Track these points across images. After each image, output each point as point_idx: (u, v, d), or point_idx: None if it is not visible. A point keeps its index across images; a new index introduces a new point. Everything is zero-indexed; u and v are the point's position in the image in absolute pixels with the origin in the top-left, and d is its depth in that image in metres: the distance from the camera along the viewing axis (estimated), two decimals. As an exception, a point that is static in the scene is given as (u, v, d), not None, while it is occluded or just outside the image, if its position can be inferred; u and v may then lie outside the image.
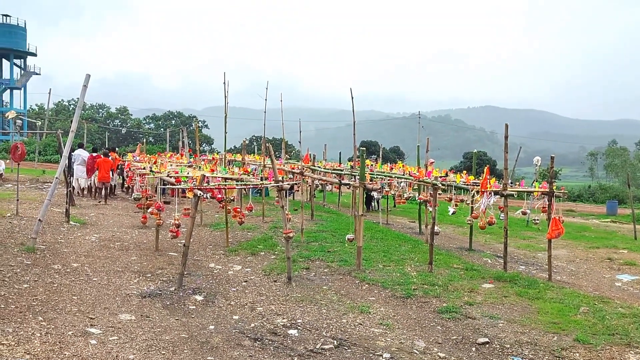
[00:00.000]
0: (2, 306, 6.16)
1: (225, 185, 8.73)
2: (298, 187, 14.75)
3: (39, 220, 9.51)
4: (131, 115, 79.47)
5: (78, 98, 10.09)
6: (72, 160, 17.54)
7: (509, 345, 5.91)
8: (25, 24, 61.75)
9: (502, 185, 9.65)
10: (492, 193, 9.68)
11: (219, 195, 10.29)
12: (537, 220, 11.83)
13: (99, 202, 17.06)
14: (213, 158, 17.82)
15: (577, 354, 5.66)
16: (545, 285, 8.45)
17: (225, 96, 12.51)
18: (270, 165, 9.09)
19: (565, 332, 6.25)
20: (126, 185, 19.19)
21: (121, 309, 6.52)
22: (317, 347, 5.64)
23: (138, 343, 5.46)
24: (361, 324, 6.45)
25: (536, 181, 16.17)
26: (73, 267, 8.31)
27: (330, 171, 16.26)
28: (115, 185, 19.65)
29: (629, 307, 7.42)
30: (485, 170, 9.76)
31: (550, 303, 7.43)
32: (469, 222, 11.48)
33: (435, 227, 9.54)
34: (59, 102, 73.20)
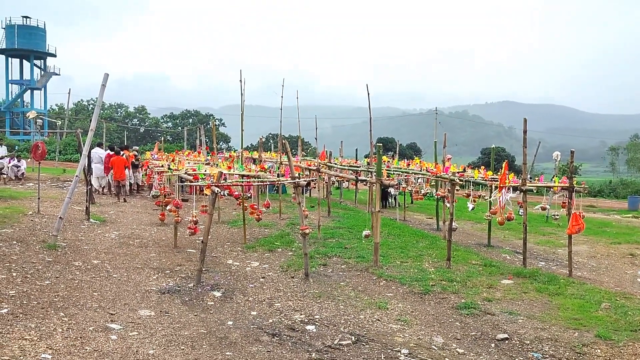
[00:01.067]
0: (25, 302, 6.27)
1: (242, 182, 8.77)
2: (314, 184, 14.75)
3: (60, 217, 9.66)
4: (149, 114, 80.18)
5: (97, 97, 10.21)
6: (91, 159, 17.82)
7: (528, 342, 5.85)
8: (44, 25, 62.60)
9: (520, 181, 9.55)
10: (511, 188, 9.58)
11: (236, 192, 10.35)
12: (557, 215, 11.68)
13: (120, 200, 17.22)
14: (230, 155, 17.92)
15: (599, 350, 5.59)
16: (566, 281, 8.35)
17: (241, 94, 12.55)
18: (287, 162, 9.10)
19: (586, 328, 6.17)
20: (138, 182, 19.36)
21: (141, 305, 6.60)
22: (335, 342, 5.64)
23: (157, 338, 5.52)
24: (379, 320, 6.43)
25: (556, 176, 15.97)
26: (93, 264, 8.43)
27: (346, 167, 16.23)
28: (133, 184, 19.83)
29: (651, 303, 7.29)
30: (503, 165, 9.65)
31: (571, 299, 7.34)
32: (487, 217, 11.38)
33: (453, 223, 9.47)
34: (79, 102, 74.14)
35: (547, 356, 5.52)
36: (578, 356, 5.50)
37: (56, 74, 63.60)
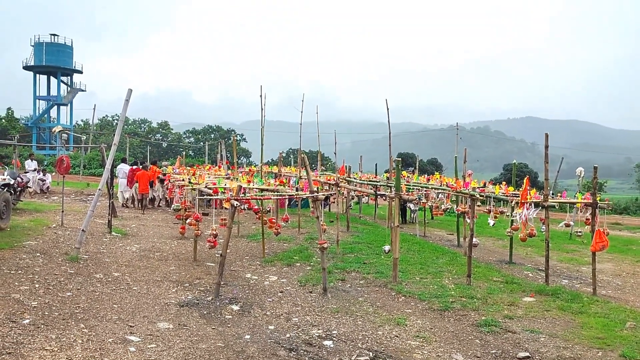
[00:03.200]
0: (47, 313, 6.36)
1: (262, 195, 8.81)
2: (334, 198, 14.75)
3: (82, 230, 9.81)
4: (172, 129, 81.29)
5: (121, 113, 10.40)
6: (116, 174, 18.28)
7: (550, 361, 5.72)
8: (72, 42, 64.24)
9: (542, 197, 9.41)
10: (533, 204, 9.44)
11: (256, 207, 10.40)
12: (581, 232, 11.47)
13: (142, 213, 17.52)
14: (250, 170, 18.05)
15: (624, 371, 5.44)
16: (590, 300, 8.17)
17: (262, 108, 12.67)
18: (306, 177, 9.13)
19: (610, 348, 6.01)
20: (167, 197, 19.62)
21: (160, 318, 6.64)
22: (353, 358, 5.60)
23: (175, 351, 5.54)
24: (397, 336, 6.36)
25: (579, 192, 15.70)
26: (114, 277, 8.52)
27: (365, 182, 16.20)
28: (157, 198, 20.10)
29: (679, 323, 7.08)
30: (525, 181, 9.53)
31: (595, 318, 7.17)
32: (509, 234, 11.20)
33: (474, 239, 9.36)
34: (103, 117, 75.59)
35: (570, 376, 5.39)
36: (602, 376, 5.36)
37: (82, 90, 65.05)
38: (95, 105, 41.71)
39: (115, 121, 73.55)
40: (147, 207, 18.61)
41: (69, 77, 64.77)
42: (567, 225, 11.74)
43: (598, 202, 9.41)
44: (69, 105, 63.80)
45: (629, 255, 14.26)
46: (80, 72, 65.25)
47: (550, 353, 5.92)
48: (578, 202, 10.07)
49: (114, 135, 10.50)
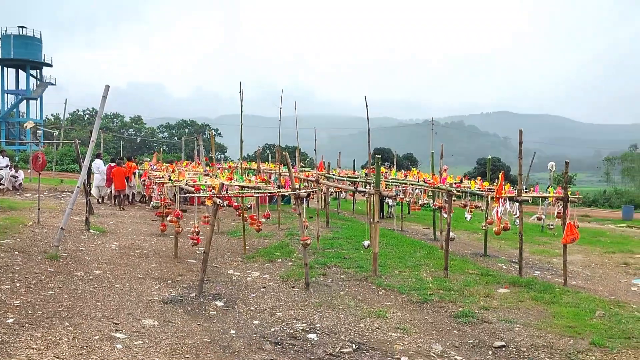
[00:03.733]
0: (30, 312, 6.36)
1: (243, 193, 8.90)
2: (313, 194, 14.90)
3: (61, 228, 9.75)
4: (145, 124, 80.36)
5: (93, 108, 10.47)
6: (92, 170, 18.16)
7: (525, 349, 5.98)
8: (41, 35, 62.82)
9: (516, 191, 9.72)
10: (507, 199, 9.74)
11: (236, 203, 10.47)
12: (552, 225, 11.85)
13: (119, 209, 17.42)
14: (229, 166, 18.04)
15: (593, 357, 5.72)
16: (561, 290, 8.49)
17: (241, 106, 12.73)
18: (287, 174, 9.24)
19: (581, 336, 6.31)
20: (144, 194, 19.50)
21: (144, 315, 6.70)
22: (336, 350, 5.76)
23: (162, 347, 5.62)
24: (379, 328, 6.55)
25: (550, 187, 16.16)
26: (95, 274, 8.52)
27: (345, 179, 16.38)
28: (135, 194, 19.98)
29: (645, 311, 7.44)
30: (500, 176, 9.83)
31: (566, 307, 7.48)
32: (484, 228, 11.54)
33: (450, 233, 9.62)
34: (74, 111, 74.34)
35: (544, 363, 5.65)
36: (573, 363, 5.63)
37: (52, 84, 63.76)
38: (66, 99, 40.94)
39: (87, 116, 72.44)
40: (125, 204, 18.48)
41: (38, 71, 63.40)
42: (539, 219, 12.10)
43: (569, 195, 9.75)
44: (39, 99, 62.49)
45: (597, 246, 14.76)
46: (50, 65, 63.91)
47: (525, 342, 6.18)
48: (550, 196, 10.42)
49: (90, 131, 10.43)
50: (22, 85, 62.44)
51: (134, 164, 19.93)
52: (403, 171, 17.13)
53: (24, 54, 59.98)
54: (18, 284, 7.42)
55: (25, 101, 62.60)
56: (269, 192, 8.94)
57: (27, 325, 5.91)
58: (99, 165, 19.10)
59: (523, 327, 6.67)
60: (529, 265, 11.35)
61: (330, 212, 16.58)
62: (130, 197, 19.83)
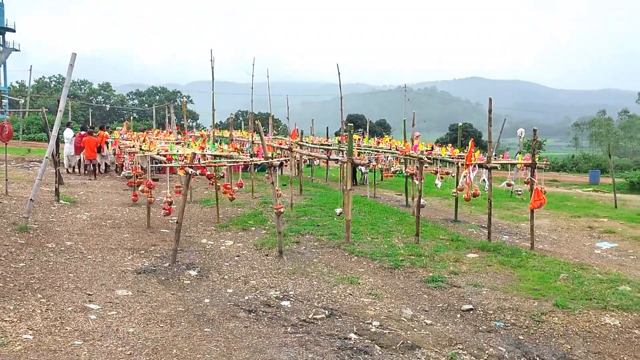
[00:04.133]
0: (1, 285, 6.30)
1: (216, 162, 8.86)
2: (286, 163, 14.90)
3: (31, 199, 9.58)
4: (114, 91, 78.41)
5: (60, 74, 10.14)
6: (61, 139, 17.87)
7: (492, 312, 6.21)
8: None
9: (486, 158, 9.89)
10: (477, 166, 9.92)
11: (209, 172, 10.42)
12: (520, 191, 12.12)
13: (89, 179, 17.19)
14: (201, 135, 17.86)
15: (556, 318, 5.98)
16: (528, 254, 8.77)
17: (212, 73, 12.53)
18: (259, 142, 9.21)
19: (545, 298, 6.56)
20: (115, 163, 19.26)
21: (117, 285, 6.70)
22: (310, 317, 5.88)
23: (137, 317, 5.66)
24: (351, 295, 6.70)
25: (519, 153, 16.45)
26: (67, 246, 8.45)
27: (318, 147, 16.40)
28: (106, 163, 19.71)
29: (606, 273, 7.76)
30: (469, 144, 9.97)
31: (532, 271, 7.74)
32: (454, 194, 11.75)
33: (422, 200, 9.77)
34: (40, 78, 71.87)
35: (509, 325, 5.89)
36: (537, 324, 5.88)
37: (16, 50, 61.56)
38: (31, 66, 39.78)
39: (53, 83, 70.22)
40: (96, 173, 18.23)
41: (0, 36, 61.00)
42: (509, 185, 12.37)
43: (537, 162, 9.97)
44: (2, 65, 60.29)
45: (564, 210, 15.21)
46: (13, 30, 61.54)
47: (492, 305, 6.41)
48: (519, 163, 10.64)
49: (57, 100, 10.16)
50: (-16, 51, 60.09)
51: (106, 133, 19.59)
52: (376, 138, 17.22)
53: (-15, 19, 57.59)
54: (-13, 257, 7.32)
55: (-13, 68, 60.37)
56: (242, 161, 8.91)
57: (-2, 298, 5.87)
58: (68, 135, 18.79)
59: (490, 291, 6.90)
60: (498, 230, 11.65)
61: (303, 180, 16.63)
62: (104, 167, 19.58)
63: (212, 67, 12.65)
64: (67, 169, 18.72)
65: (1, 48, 60.67)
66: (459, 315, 6.14)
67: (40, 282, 6.55)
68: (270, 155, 8.54)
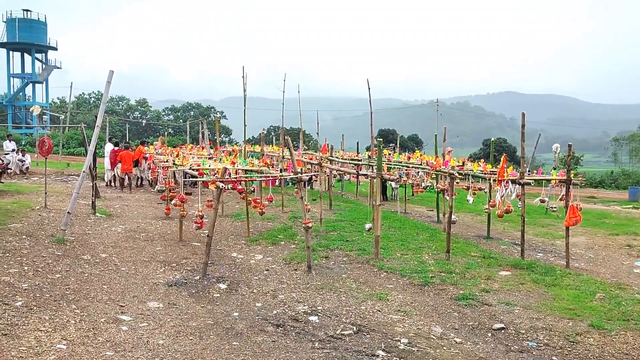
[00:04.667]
0: (38, 295, 6.49)
1: (246, 177, 8.97)
2: (316, 178, 14.97)
3: (68, 212, 9.88)
4: (150, 107, 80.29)
5: (98, 91, 10.48)
6: (103, 154, 18.61)
7: (524, 331, 6.07)
8: (45, 18, 62.59)
9: (519, 174, 9.73)
10: (510, 182, 9.76)
11: (240, 187, 10.55)
12: (555, 207, 11.86)
13: (124, 191, 17.68)
14: (233, 150, 18.10)
15: (592, 339, 5.80)
16: (562, 272, 8.55)
17: (244, 89, 12.73)
18: (289, 157, 9.28)
19: (580, 318, 6.38)
20: (149, 178, 19.73)
21: (149, 297, 6.82)
22: (337, 332, 5.86)
23: (167, 329, 5.74)
24: (379, 311, 6.65)
25: (555, 168, 16.10)
26: (102, 258, 8.65)
27: (348, 161, 16.42)
28: (143, 177, 20.26)
29: (645, 293, 7.50)
30: (502, 159, 9.83)
31: (567, 290, 7.54)
32: (486, 210, 11.57)
33: (453, 216, 9.66)
34: (80, 95, 74.22)
35: (542, 345, 5.73)
36: (572, 345, 5.71)
37: (57, 67, 63.65)
38: (72, 83, 41.08)
39: (92, 99, 72.43)
40: (133, 187, 18.72)
41: (43, 54, 63.27)
42: (542, 201, 12.12)
43: (572, 178, 9.76)
44: (45, 83, 62.46)
45: (602, 228, 14.78)
46: (55, 48, 63.76)
47: (524, 324, 6.26)
48: (553, 179, 10.43)
49: (95, 115, 10.49)
50: (28, 69, 62.36)
51: (145, 148, 20.15)
52: (407, 153, 17.14)
53: (29, 38, 59.80)
54: (26, 268, 7.55)
55: (31, 85, 62.58)
56: (272, 176, 8.99)
57: (35, 308, 6.04)
58: (108, 148, 19.57)
59: (523, 310, 6.74)
60: (532, 247, 11.40)
61: (333, 195, 16.65)
62: (141, 181, 20.11)
63: (244, 83, 12.86)
64: (106, 183, 19.36)
65: (44, 66, 62.92)
66: (489, 334, 6.02)
67: (75, 293, 6.72)
68: (299, 170, 8.60)
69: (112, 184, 19.52)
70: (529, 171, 12.69)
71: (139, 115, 73.98)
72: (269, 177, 8.97)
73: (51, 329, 5.46)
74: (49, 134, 39.38)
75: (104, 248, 9.34)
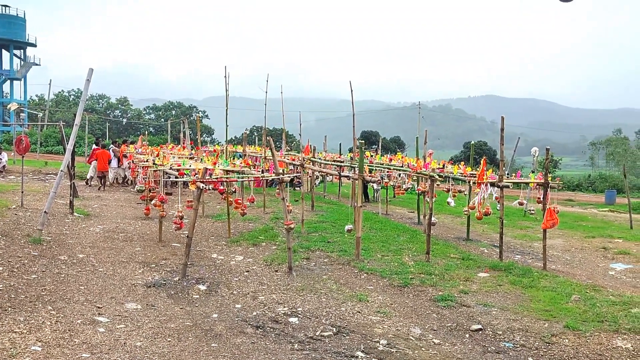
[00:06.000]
0: (13, 296, 6.38)
1: (227, 177, 8.93)
2: (299, 179, 14.96)
3: (45, 212, 9.72)
4: (131, 105, 79.50)
5: (78, 88, 10.38)
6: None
7: (501, 332, 6.14)
8: (24, 14, 61.55)
9: (498, 177, 9.84)
10: (489, 185, 9.87)
11: (221, 187, 10.50)
12: (533, 210, 12.02)
13: (99, 189, 17.68)
14: (214, 150, 18.01)
15: (567, 340, 5.89)
16: (540, 274, 8.67)
17: (226, 89, 12.68)
18: (272, 158, 9.27)
19: (556, 319, 6.47)
20: (128, 178, 19.55)
21: (127, 299, 6.75)
22: (317, 334, 5.87)
23: (144, 331, 5.69)
24: (359, 312, 6.67)
25: (533, 171, 16.32)
26: (79, 258, 8.54)
27: (330, 163, 16.44)
28: (124, 176, 20.12)
29: (619, 295, 7.64)
30: (481, 162, 9.94)
31: (543, 291, 7.65)
32: (466, 212, 11.68)
33: (432, 218, 9.73)
34: (59, 92, 73.15)
35: (518, 346, 5.81)
36: (547, 346, 5.80)
37: (36, 64, 62.65)
38: (50, 80, 40.42)
39: (72, 97, 71.44)
40: (105, 185, 18.61)
41: (22, 51, 62.20)
42: (521, 204, 12.27)
43: (549, 181, 9.90)
44: (23, 79, 61.38)
45: (578, 230, 15.01)
46: (34, 45, 62.70)
47: (501, 325, 6.34)
48: (531, 182, 10.57)
49: (74, 114, 10.37)
50: (6, 66, 61.20)
51: (126, 147, 19.96)
52: (389, 155, 17.23)
53: (7, 34, 58.68)
54: (1, 268, 7.42)
55: (8, 82, 61.47)
56: (253, 177, 8.97)
57: (9, 309, 5.94)
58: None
59: (500, 311, 6.82)
60: (510, 249, 11.53)
61: (315, 196, 16.65)
62: (122, 179, 19.99)
63: (227, 84, 12.81)
64: (86, 180, 19.26)
65: (22, 62, 61.87)
66: (467, 335, 6.08)
67: (51, 294, 6.62)
68: (281, 171, 8.59)
69: (90, 182, 19.39)
70: (508, 174, 12.85)
71: (120, 114, 73.18)
72: (249, 178, 8.94)
73: (26, 331, 5.38)
74: (26, 132, 38.73)
75: (81, 248, 9.22)
